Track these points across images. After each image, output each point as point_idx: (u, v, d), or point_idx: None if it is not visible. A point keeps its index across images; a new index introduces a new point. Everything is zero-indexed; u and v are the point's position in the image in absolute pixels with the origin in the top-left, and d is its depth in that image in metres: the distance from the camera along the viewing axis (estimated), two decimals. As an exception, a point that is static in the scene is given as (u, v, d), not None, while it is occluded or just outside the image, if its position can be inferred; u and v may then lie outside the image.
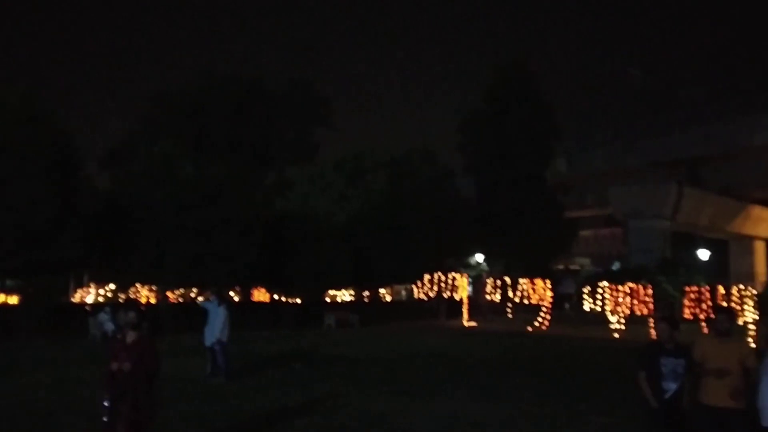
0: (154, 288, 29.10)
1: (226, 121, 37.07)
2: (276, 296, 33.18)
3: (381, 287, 38.67)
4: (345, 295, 38.15)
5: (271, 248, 28.53)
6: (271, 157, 39.50)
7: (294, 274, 29.52)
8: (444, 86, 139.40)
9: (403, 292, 41.44)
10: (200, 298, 26.53)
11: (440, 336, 25.40)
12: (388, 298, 40.43)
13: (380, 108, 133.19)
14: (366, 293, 37.99)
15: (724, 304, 23.48)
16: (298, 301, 32.39)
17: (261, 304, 32.50)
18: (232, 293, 30.44)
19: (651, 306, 26.12)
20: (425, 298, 33.83)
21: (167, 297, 29.41)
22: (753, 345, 20.57)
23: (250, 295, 32.98)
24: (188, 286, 29.76)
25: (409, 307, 36.02)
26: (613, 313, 26.87)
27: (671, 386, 6.29)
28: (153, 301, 28.79)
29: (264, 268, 28.34)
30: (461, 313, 32.88)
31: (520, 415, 10.28)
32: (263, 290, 33.76)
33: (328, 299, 35.82)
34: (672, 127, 41.88)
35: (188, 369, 14.37)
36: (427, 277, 33.34)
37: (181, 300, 30.33)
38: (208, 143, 36.41)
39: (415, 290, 34.55)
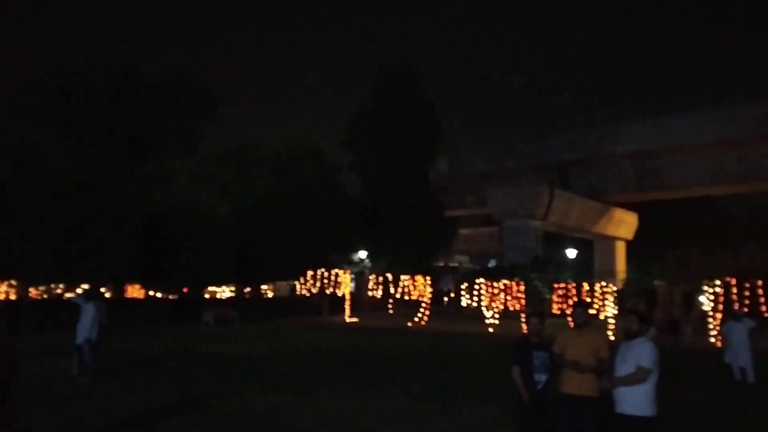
0: (14, 283, 27.02)
1: (100, 108, 35.01)
2: (152, 293, 31.84)
3: (263, 283, 38.09)
4: (226, 292, 37.25)
5: (147, 242, 27.32)
6: (150, 148, 37.79)
7: (171, 270, 28.44)
8: (335, 84, 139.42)
9: (286, 288, 41.06)
10: (69, 295, 24.95)
11: (322, 332, 25.40)
12: (270, 295, 39.92)
13: (269, 104, 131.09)
14: (247, 289, 37.29)
15: (587, 299, 25.08)
16: (176, 297, 31.25)
17: (135, 300, 31.07)
18: (103, 289, 28.88)
19: (523, 302, 27.47)
20: (308, 295, 33.70)
21: (29, 293, 27.40)
22: (612, 337, 22.11)
23: (123, 291, 31.41)
24: (53, 282, 27.89)
25: (291, 303, 35.74)
26: (488, 308, 28.01)
27: (542, 378, 6.65)
28: (13, 297, 26.74)
29: (140, 263, 27.08)
30: (344, 309, 33.05)
31: (399, 409, 10.46)
32: (138, 286, 32.28)
33: (207, 296, 34.81)
34: (545, 133, 44.23)
35: (52, 369, 13.50)
36: (310, 273, 33.21)
37: (45, 296, 28.39)
38: (81, 131, 34.25)
39: (298, 286, 34.34)
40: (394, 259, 39.63)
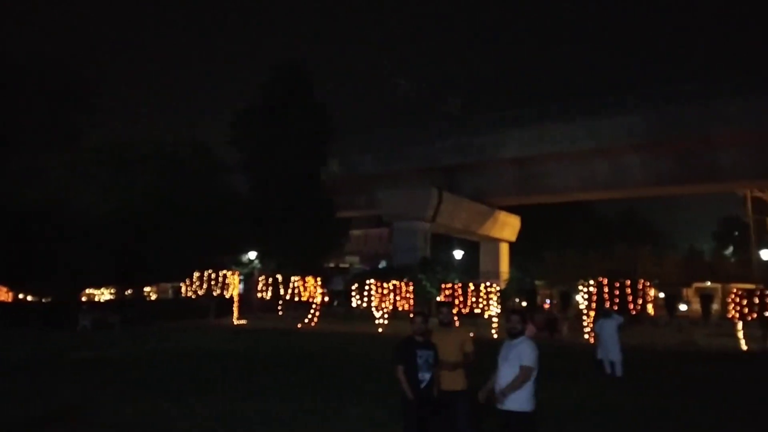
0: None
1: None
2: (22, 296, 29.72)
3: (146, 285, 36.52)
4: (105, 294, 35.39)
5: (16, 243, 25.46)
6: (19, 141, 35.15)
7: (45, 272, 26.67)
8: (225, 82, 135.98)
9: (170, 291, 39.58)
10: None
11: (208, 335, 24.68)
12: (154, 297, 38.32)
13: (156, 100, 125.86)
14: (129, 292, 35.61)
15: (472, 298, 25.89)
16: (49, 301, 29.33)
17: (2, 304, 28.87)
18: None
19: (412, 302, 27.96)
20: (194, 297, 32.65)
21: None
22: (495, 335, 22.86)
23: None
24: None
25: (176, 306, 34.49)
26: (378, 309, 28.28)
27: (426, 376, 6.82)
28: None
29: (6, 264, 25.20)
30: (232, 311, 32.29)
31: (282, 411, 10.34)
32: (5, 289, 30.05)
33: (84, 298, 32.92)
34: (434, 136, 45.31)
35: None
36: (196, 274, 32.20)
37: None
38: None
39: (184, 288, 33.20)
40: (284, 259, 39.19)
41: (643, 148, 38.43)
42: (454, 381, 7.01)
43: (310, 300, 30.76)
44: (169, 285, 39.44)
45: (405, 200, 42.00)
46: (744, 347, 22.46)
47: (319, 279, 31.29)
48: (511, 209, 49.46)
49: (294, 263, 37.40)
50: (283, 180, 40.05)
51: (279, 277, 31.40)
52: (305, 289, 30.77)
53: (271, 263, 40.80)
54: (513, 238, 51.48)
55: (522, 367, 6.23)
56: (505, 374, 6.30)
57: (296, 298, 30.88)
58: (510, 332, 6.47)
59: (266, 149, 40.73)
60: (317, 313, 30.63)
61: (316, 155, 41.81)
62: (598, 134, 38.81)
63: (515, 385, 6.20)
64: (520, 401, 6.21)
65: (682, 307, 39.35)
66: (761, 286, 27.69)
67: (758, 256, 45.51)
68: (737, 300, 22.40)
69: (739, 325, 22.76)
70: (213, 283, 31.58)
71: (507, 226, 50.36)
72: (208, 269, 31.80)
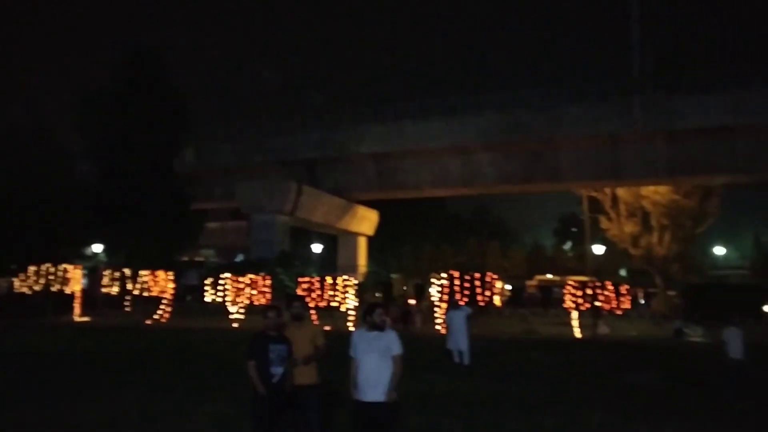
0: None
1: None
2: None
3: (-27, 281, 33.20)
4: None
5: None
6: None
7: None
8: (76, 66, 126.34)
9: (3, 286, 36.27)
10: None
11: (46, 334, 22.87)
12: (-18, 294, 34.91)
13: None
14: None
15: (329, 292, 26.03)
16: None
17: None
18: None
19: (269, 296, 27.58)
20: (29, 293, 30.12)
21: None
22: (351, 328, 23.10)
23: None
24: None
25: (8, 303, 31.60)
26: (233, 303, 27.63)
27: (278, 370, 6.77)
28: None
29: None
30: (72, 308, 30.16)
31: (129, 411, 9.82)
32: None
33: None
34: (295, 129, 44.96)
35: None
36: (32, 268, 29.76)
37: None
38: None
39: (17, 283, 30.53)
40: (134, 253, 37.17)
41: (494, 148, 40.50)
42: (306, 375, 7.02)
43: (161, 295, 29.47)
44: (2, 279, 36.12)
45: (264, 193, 41.35)
46: (578, 335, 24.38)
47: (171, 273, 30.03)
48: (370, 204, 50.28)
49: (144, 257, 35.58)
50: (134, 169, 37.94)
51: (127, 271, 29.76)
52: (156, 283, 29.43)
53: (120, 257, 38.57)
54: (371, 232, 52.38)
55: (397, 357, 6.43)
56: (372, 366, 6.37)
57: (146, 293, 29.45)
58: (376, 325, 6.54)
59: (116, 136, 38.41)
60: (168, 309, 29.40)
61: (170, 144, 40.00)
62: (453, 133, 40.38)
63: (397, 377, 6.40)
64: (385, 391, 6.33)
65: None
66: (593, 279, 30.17)
67: (591, 251, 49.49)
68: (573, 291, 24.25)
69: (574, 314, 24.68)
70: (51, 277, 29.33)
71: (365, 221, 51.13)
72: (46, 263, 29.48)
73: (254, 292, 27.47)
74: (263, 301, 27.14)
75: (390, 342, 6.49)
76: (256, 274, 28.60)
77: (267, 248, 39.25)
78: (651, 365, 16.56)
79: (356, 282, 27.63)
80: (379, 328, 6.56)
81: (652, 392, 12.74)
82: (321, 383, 7.20)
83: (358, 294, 27.03)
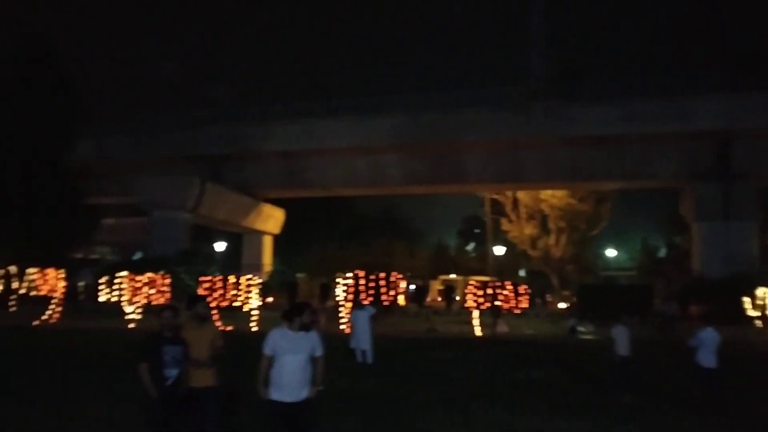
0: None
1: None
2: None
3: None
4: None
5: None
6: None
7: None
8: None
9: None
10: None
11: None
12: None
13: None
14: None
15: (233, 291, 25.45)
16: None
17: None
18: None
19: (169, 296, 26.64)
20: None
21: None
22: (255, 328, 22.64)
23: None
24: None
25: None
26: (130, 303, 26.50)
27: (172, 373, 6.54)
28: None
29: None
30: (-52, 308, 27.99)
31: (10, 420, 9.18)
32: None
33: None
34: (199, 123, 43.63)
35: None
36: None
37: None
38: None
39: None
40: (20, 250, 34.86)
41: (402, 149, 40.93)
42: (203, 377, 6.84)
43: (51, 294, 27.85)
44: None
45: (164, 189, 39.92)
46: (478, 333, 25.02)
47: (62, 271, 28.43)
48: (277, 202, 49.62)
49: (33, 254, 33.45)
50: (19, 162, 35.62)
51: (12, 269, 27.93)
52: (45, 282, 27.78)
53: (6, 254, 36.09)
54: (277, 230, 51.70)
55: (321, 357, 6.49)
56: (296, 367, 6.27)
57: (34, 293, 27.74)
58: (305, 325, 6.47)
59: (2, 128, 35.99)
60: (59, 309, 27.82)
61: (62, 137, 37.78)
62: (361, 133, 40.48)
63: (321, 375, 6.49)
64: (307, 390, 6.32)
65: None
66: (494, 279, 31.05)
67: (493, 251, 51.06)
68: (474, 291, 24.87)
69: (475, 313, 25.31)
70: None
71: (271, 219, 50.41)
72: None
73: (152, 291, 26.44)
74: (162, 300, 26.15)
75: (315, 343, 6.45)
76: (155, 272, 27.55)
77: (168, 246, 37.90)
78: (547, 362, 17.22)
79: (260, 281, 27.14)
80: (307, 329, 6.47)
81: (547, 388, 13.24)
82: (220, 385, 7.01)
83: (262, 294, 26.57)
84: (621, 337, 11.97)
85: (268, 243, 51.08)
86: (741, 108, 34.05)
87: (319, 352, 6.48)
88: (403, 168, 42.02)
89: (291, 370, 6.26)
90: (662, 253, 65.62)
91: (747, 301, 26.38)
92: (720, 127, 34.66)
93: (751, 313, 26.19)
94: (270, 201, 48.66)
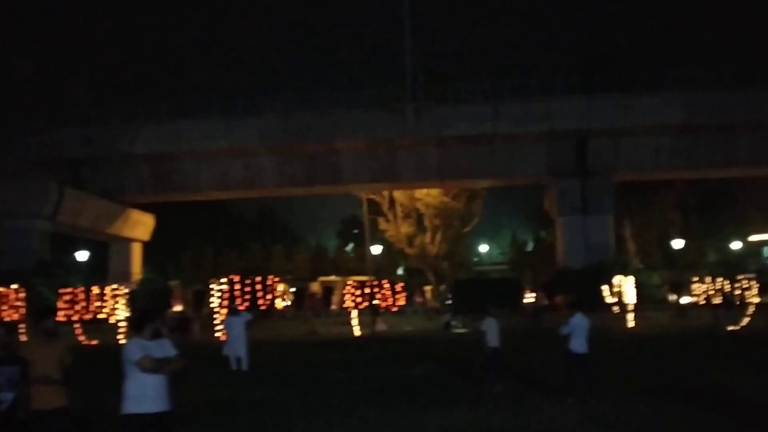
0: None
1: None
2: None
3: None
4: None
5: None
6: None
7: None
8: None
9: None
10: None
11: None
12: None
13: None
14: None
15: (97, 303, 23.89)
16: None
17: None
18: None
19: (23, 311, 24.57)
20: None
21: None
22: (122, 340, 21.35)
23: None
24: None
25: None
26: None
27: (8, 396, 5.95)
28: None
29: None
30: None
31: None
32: None
33: None
34: (56, 126, 40.62)
35: None
36: None
37: None
38: None
39: None
40: None
41: (276, 150, 40.28)
42: (52, 398, 6.24)
43: None
44: None
45: (17, 195, 36.82)
46: (358, 333, 25.07)
47: None
48: (147, 207, 47.26)
49: None
50: None
51: None
52: None
53: None
54: (147, 237, 49.23)
55: (177, 355, 6.12)
56: (154, 377, 5.89)
57: None
58: (158, 332, 6.16)
59: None
60: None
61: None
62: (234, 134, 39.42)
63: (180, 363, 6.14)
64: (167, 400, 6.01)
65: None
66: (372, 278, 31.26)
67: (370, 251, 51.56)
68: (352, 291, 24.87)
69: (354, 313, 25.32)
70: None
71: (140, 225, 47.93)
72: None
73: (5, 307, 24.26)
74: (16, 316, 24.08)
75: (169, 349, 6.10)
76: (8, 286, 25.30)
77: (22, 257, 35.01)
78: (423, 358, 17.49)
79: (128, 291, 25.68)
80: (159, 335, 6.14)
81: (423, 383, 13.40)
82: (70, 406, 6.41)
83: (131, 303, 25.14)
84: (491, 330, 12.30)
85: (137, 250, 48.54)
86: (596, 109, 36.47)
87: (172, 353, 6.13)
88: (278, 169, 41.39)
89: (151, 380, 5.86)
90: (530, 246, 69.27)
91: (605, 288, 28.16)
92: (578, 127, 36.92)
93: (609, 300, 27.98)
94: (139, 206, 46.28)
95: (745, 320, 24.67)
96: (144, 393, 5.83)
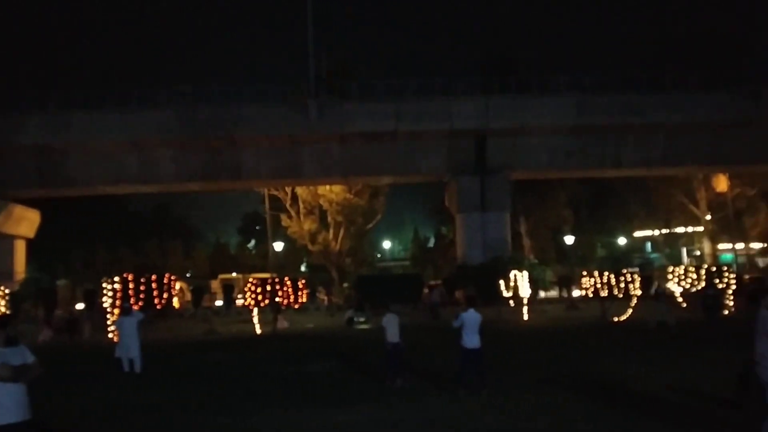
0: None
1: None
2: None
3: None
4: None
5: None
6: None
7: None
8: None
9: None
10: None
11: None
12: None
13: None
14: None
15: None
16: None
17: None
18: None
19: None
20: None
21: None
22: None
23: None
24: None
25: None
26: None
27: None
28: None
29: None
30: None
31: None
32: None
33: None
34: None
35: None
36: None
37: None
38: None
39: None
40: None
41: (174, 144, 38.89)
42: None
43: None
44: None
45: None
46: (258, 331, 24.67)
47: None
48: (33, 203, 44.42)
49: None
50: None
51: None
52: None
53: None
54: (31, 234, 46.30)
55: (34, 361, 5.72)
56: (10, 386, 5.48)
57: None
58: (12, 339, 5.72)
59: None
60: None
61: None
62: (129, 127, 37.71)
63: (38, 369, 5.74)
64: (27, 410, 5.62)
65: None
66: (274, 275, 30.85)
67: (273, 248, 50.91)
68: (253, 288, 24.45)
69: (255, 311, 24.91)
70: None
71: (24, 221, 44.99)
72: None
73: None
74: None
75: (27, 356, 5.71)
76: None
77: None
78: (325, 354, 17.43)
79: (8, 291, 24.09)
80: (15, 342, 5.71)
81: (325, 380, 13.35)
82: None
83: (11, 304, 23.60)
84: (391, 325, 12.41)
85: (20, 248, 45.55)
86: (494, 109, 37.59)
87: (31, 359, 5.76)
88: (176, 164, 39.95)
89: (8, 389, 5.50)
90: (432, 243, 70.61)
91: (502, 283, 29.14)
92: (477, 126, 37.92)
93: (506, 294, 28.98)
94: (23, 202, 43.44)
95: (629, 311, 26.22)
96: (2, 403, 5.48)
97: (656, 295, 23.74)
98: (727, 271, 27.86)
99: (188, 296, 36.03)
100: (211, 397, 11.84)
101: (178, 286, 24.43)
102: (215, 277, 51.85)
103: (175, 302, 23.80)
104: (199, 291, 35.97)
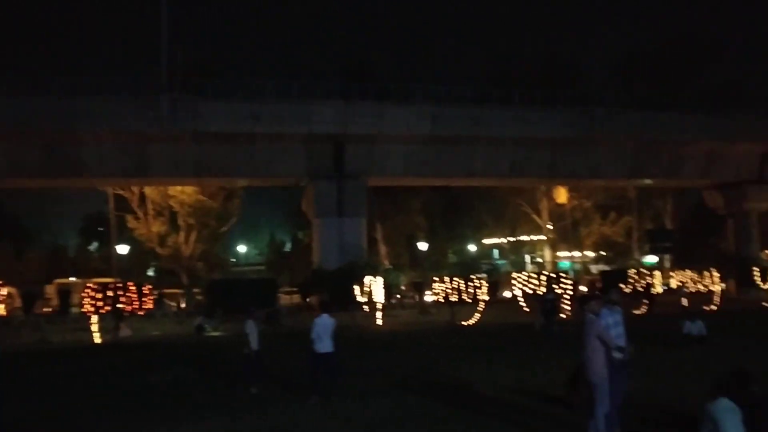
0: None
1: None
2: None
3: None
4: None
5: None
6: None
7: None
8: None
9: None
10: None
11: None
12: None
13: None
14: None
15: None
16: None
17: None
18: None
19: None
20: None
21: None
22: None
23: None
24: None
25: None
26: None
27: None
28: None
29: None
30: None
31: None
32: None
33: None
34: None
35: None
36: None
37: None
38: None
39: None
40: None
41: (5, 137, 35.41)
42: None
43: None
44: None
45: None
46: (98, 340, 22.97)
47: None
48: None
49: None
50: None
51: None
52: None
53: None
54: None
55: None
56: None
57: None
58: None
59: None
60: None
61: None
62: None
63: None
64: None
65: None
66: (117, 280, 28.95)
67: (117, 251, 47.92)
68: (92, 294, 22.75)
69: (94, 318, 23.17)
70: None
71: None
72: None
73: None
74: None
75: None
76: None
77: None
78: (174, 363, 16.54)
79: None
80: None
81: (174, 391, 12.63)
82: None
83: None
84: (252, 332, 12.12)
85: None
86: (352, 115, 37.81)
87: None
88: (7, 158, 36.36)
89: None
90: (288, 247, 69.92)
91: (357, 288, 29.32)
92: (335, 131, 37.95)
93: (360, 299, 29.19)
94: None
95: (477, 315, 27.34)
96: None
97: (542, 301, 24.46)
98: (565, 277, 29.91)
99: (18, 302, 32.97)
100: (44, 412, 10.77)
101: (5, 291, 22.15)
102: (51, 282, 47.84)
103: (1, 308, 21.56)
104: (31, 296, 33.04)
